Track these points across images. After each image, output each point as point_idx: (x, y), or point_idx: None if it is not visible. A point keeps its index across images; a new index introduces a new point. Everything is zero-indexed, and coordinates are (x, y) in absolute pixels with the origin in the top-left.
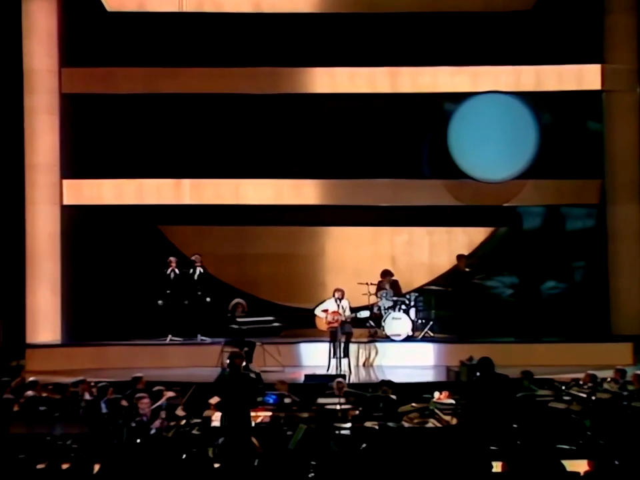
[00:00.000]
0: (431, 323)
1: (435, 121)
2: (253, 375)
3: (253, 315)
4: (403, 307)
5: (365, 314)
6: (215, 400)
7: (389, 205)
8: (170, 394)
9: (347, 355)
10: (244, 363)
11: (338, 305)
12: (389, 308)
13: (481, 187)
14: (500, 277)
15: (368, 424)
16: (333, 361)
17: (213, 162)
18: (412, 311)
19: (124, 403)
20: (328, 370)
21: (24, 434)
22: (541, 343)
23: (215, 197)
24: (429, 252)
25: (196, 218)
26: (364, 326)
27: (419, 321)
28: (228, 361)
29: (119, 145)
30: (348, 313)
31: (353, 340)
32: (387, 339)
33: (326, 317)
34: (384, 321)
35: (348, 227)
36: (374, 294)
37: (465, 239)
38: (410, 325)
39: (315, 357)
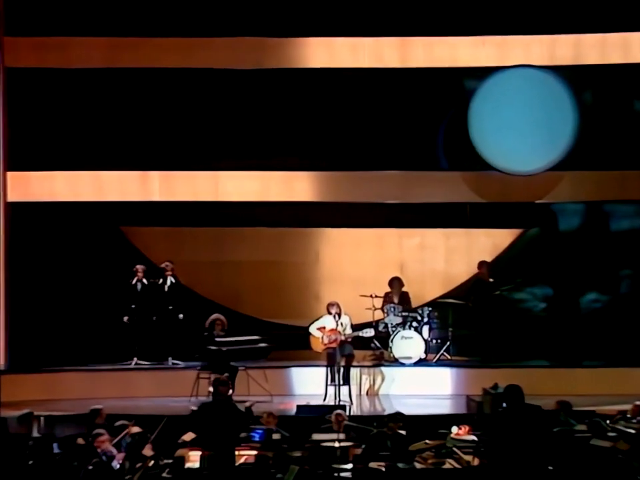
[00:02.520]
0: (448, 343)
1: (454, 101)
2: (242, 409)
3: (234, 333)
4: (414, 324)
5: (368, 332)
6: (189, 436)
7: (397, 202)
8: (135, 429)
9: (347, 381)
10: (230, 392)
11: (336, 322)
12: (397, 325)
13: (507, 181)
14: (531, 288)
15: (373, 465)
16: (331, 389)
17: (186, 151)
18: (425, 329)
19: (80, 441)
20: (325, 400)
21: None
22: (581, 368)
23: (190, 193)
24: (444, 258)
25: (166, 218)
26: (368, 347)
27: (434, 341)
28: (211, 389)
29: (74, 130)
30: (349, 331)
31: (354, 364)
32: (396, 362)
33: (322, 336)
34: (392, 340)
35: (348, 229)
36: (379, 308)
37: (487, 243)
38: (422, 345)
39: (309, 384)
